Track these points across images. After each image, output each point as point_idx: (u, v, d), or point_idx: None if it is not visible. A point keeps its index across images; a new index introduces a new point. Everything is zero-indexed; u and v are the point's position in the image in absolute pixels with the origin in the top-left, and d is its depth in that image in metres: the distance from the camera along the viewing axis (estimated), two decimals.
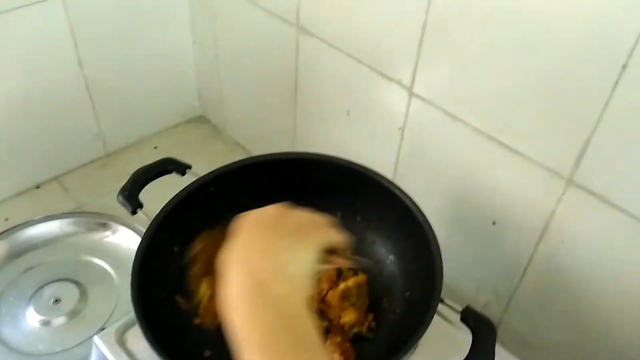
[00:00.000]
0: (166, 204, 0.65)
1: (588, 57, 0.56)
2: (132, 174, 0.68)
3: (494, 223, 0.75)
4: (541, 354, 0.78)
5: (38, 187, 1.11)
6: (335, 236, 0.49)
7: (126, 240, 0.94)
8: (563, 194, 0.65)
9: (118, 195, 0.67)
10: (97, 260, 0.93)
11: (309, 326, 0.40)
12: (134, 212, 0.65)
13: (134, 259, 0.60)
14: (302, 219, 0.47)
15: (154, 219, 0.63)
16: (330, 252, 0.49)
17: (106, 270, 0.92)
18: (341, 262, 0.51)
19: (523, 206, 0.70)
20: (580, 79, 0.58)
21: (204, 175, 0.69)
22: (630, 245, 0.61)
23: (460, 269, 0.83)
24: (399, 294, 0.67)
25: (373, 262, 0.55)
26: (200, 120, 1.34)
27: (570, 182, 0.63)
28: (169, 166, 0.70)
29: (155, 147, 1.24)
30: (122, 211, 0.85)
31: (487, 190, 0.74)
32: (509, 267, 0.77)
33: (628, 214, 0.60)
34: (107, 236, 0.97)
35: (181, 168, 0.70)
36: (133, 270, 0.59)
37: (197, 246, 0.64)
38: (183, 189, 0.67)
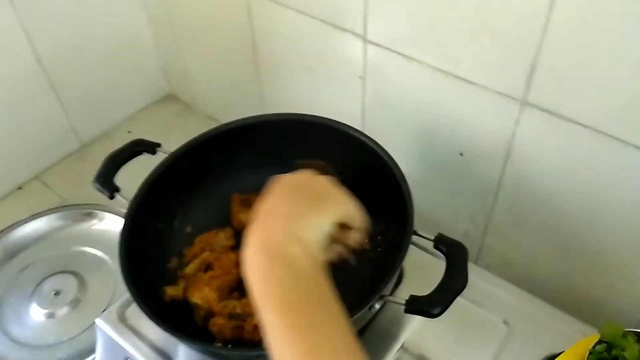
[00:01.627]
0: (142, 184, 0.67)
1: None
2: (104, 160, 0.70)
3: (461, 154, 0.78)
4: (523, 270, 0.82)
5: (20, 188, 1.13)
6: (353, 212, 0.50)
7: (114, 225, 0.96)
8: (520, 115, 0.67)
9: (93, 183, 0.68)
10: (89, 249, 0.96)
11: (324, 286, 0.42)
12: (111, 197, 0.67)
13: (120, 241, 0.62)
14: (324, 188, 0.49)
15: (132, 200, 0.66)
16: (345, 227, 0.51)
17: (100, 257, 0.95)
18: (351, 241, 0.53)
19: (485, 134, 0.73)
20: (517, 6, 0.59)
21: (175, 151, 0.71)
22: (587, 154, 0.64)
23: (437, 202, 0.87)
24: (377, 236, 0.70)
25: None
26: (170, 98, 1.34)
27: (524, 103, 0.66)
28: (139, 147, 0.72)
29: (129, 132, 1.25)
30: (106, 199, 0.86)
31: (450, 124, 0.76)
32: (481, 193, 0.80)
33: (581, 125, 0.62)
34: (95, 224, 0.99)
35: (151, 147, 0.72)
36: (120, 252, 0.62)
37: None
38: (156, 167, 0.69)
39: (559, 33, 0.58)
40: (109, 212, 0.99)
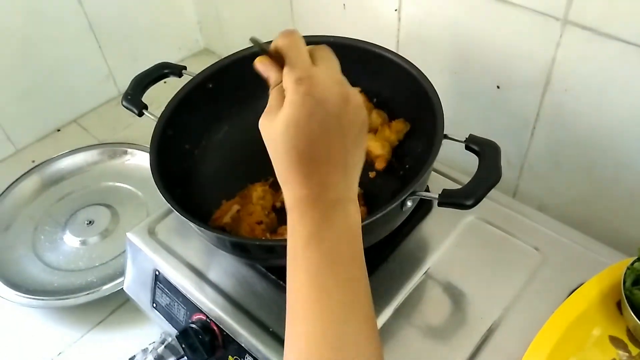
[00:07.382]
0: (169, 102, 0.67)
1: None
2: (131, 81, 0.70)
3: (498, 87, 0.75)
4: (557, 213, 0.79)
5: (59, 130, 1.16)
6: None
7: (146, 162, 0.97)
8: (561, 36, 0.64)
9: (122, 101, 0.69)
10: (122, 184, 0.97)
11: (361, 243, 0.41)
12: (140, 114, 0.68)
13: (149, 154, 0.63)
14: (363, 121, 0.43)
15: (160, 117, 0.66)
16: None
17: (132, 191, 0.96)
18: None
19: (524, 60, 0.70)
20: None
21: (200, 72, 0.71)
22: (634, 77, 0.61)
23: None
24: (409, 152, 0.68)
25: None
26: (205, 53, 1.35)
27: (565, 22, 0.62)
28: (165, 70, 0.72)
29: (165, 82, 1.26)
30: (141, 140, 0.86)
31: (487, 53, 0.74)
32: (517, 129, 0.77)
33: (627, 42, 0.59)
34: (128, 160, 1.01)
35: (177, 70, 0.72)
36: (151, 164, 0.62)
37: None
38: (182, 87, 0.69)
39: None
40: (141, 150, 1.01)
